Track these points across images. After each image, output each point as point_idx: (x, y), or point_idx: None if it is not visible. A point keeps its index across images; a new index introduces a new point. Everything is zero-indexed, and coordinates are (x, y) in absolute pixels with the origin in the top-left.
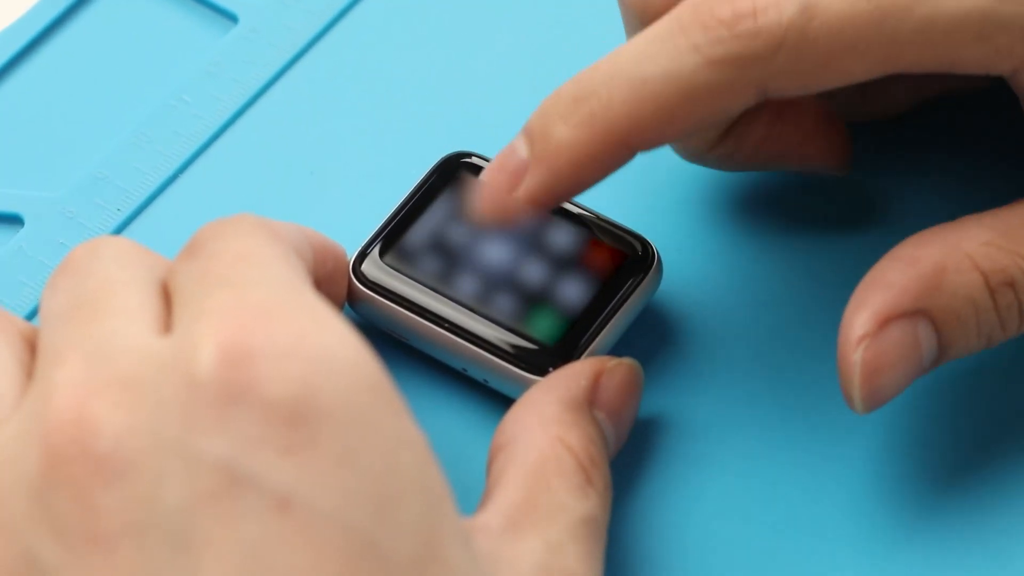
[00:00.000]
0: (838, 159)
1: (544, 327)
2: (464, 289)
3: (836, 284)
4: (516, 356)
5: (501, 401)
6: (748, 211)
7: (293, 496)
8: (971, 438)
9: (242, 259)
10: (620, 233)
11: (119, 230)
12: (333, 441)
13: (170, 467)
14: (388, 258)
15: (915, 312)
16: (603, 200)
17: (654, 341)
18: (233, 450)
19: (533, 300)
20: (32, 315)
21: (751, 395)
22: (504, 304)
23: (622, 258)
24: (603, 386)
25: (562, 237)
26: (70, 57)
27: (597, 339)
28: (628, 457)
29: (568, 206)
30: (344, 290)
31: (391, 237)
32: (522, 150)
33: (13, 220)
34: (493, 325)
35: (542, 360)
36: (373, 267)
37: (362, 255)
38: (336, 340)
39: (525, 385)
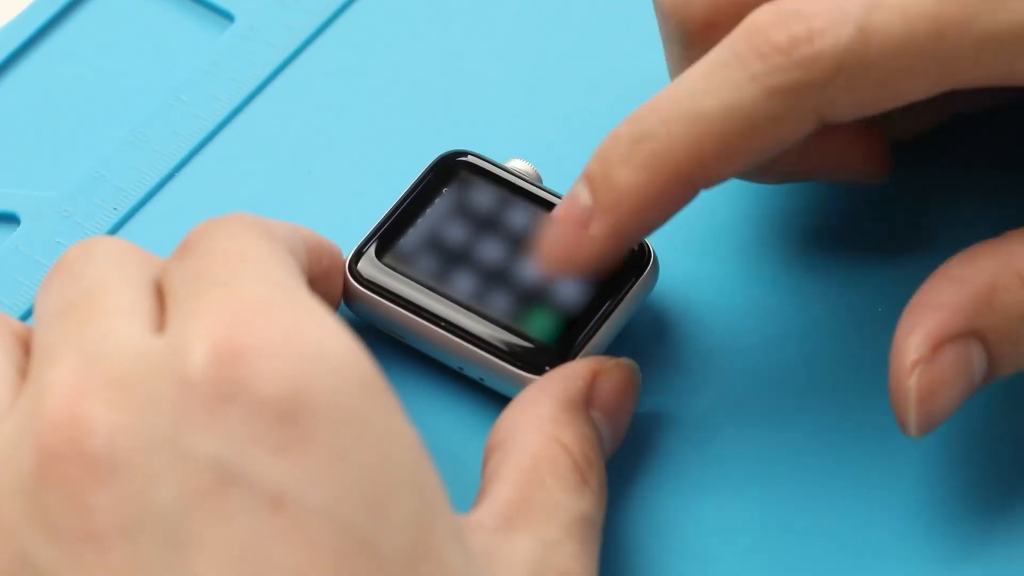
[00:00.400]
0: (878, 166)
1: (541, 326)
2: (461, 288)
3: (833, 283)
4: (512, 355)
5: (497, 400)
6: (744, 210)
7: (286, 494)
8: (974, 439)
9: (235, 258)
10: None
11: (116, 229)
12: (326, 439)
13: (163, 466)
14: (384, 257)
15: (968, 333)
16: None
17: (650, 340)
18: (225, 448)
19: (530, 299)
20: (28, 314)
21: (747, 394)
22: (501, 303)
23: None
24: (600, 386)
25: None
26: (67, 56)
27: (594, 338)
28: (624, 457)
29: None
30: (339, 289)
31: (387, 236)
32: (584, 197)
33: (9, 219)
34: (489, 324)
35: (539, 359)
36: (369, 266)
37: (358, 254)
38: (329, 338)
39: (521, 384)
